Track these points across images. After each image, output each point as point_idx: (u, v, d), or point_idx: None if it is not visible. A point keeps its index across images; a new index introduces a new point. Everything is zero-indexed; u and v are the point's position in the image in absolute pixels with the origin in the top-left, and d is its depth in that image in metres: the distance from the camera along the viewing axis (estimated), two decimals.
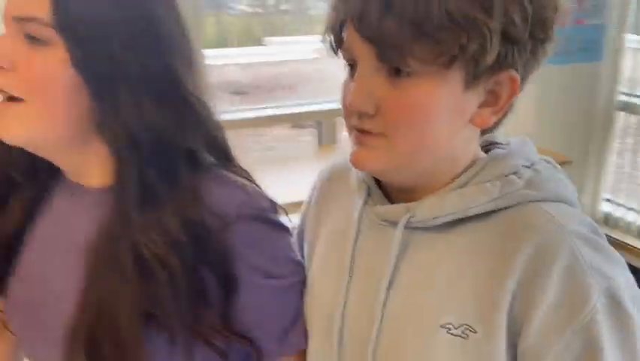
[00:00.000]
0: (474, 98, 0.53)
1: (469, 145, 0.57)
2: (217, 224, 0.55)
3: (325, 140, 2.23)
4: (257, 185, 0.63)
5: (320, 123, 2.24)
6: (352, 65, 0.54)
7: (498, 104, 0.54)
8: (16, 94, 0.53)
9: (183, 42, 0.57)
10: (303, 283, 0.64)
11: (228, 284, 0.57)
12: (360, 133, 0.54)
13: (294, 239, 0.69)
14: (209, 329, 0.56)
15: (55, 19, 0.50)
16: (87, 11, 0.50)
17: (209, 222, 0.55)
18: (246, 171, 0.63)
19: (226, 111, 1.41)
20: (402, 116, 0.51)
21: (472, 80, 0.51)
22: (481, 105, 0.54)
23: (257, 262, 0.59)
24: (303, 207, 0.73)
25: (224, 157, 0.62)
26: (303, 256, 0.69)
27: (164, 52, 0.55)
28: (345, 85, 0.55)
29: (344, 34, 0.53)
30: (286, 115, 2.10)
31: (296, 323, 0.63)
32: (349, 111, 0.54)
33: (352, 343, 0.58)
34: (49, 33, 0.51)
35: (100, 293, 0.54)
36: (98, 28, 0.51)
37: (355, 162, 0.55)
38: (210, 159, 0.61)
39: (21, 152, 0.57)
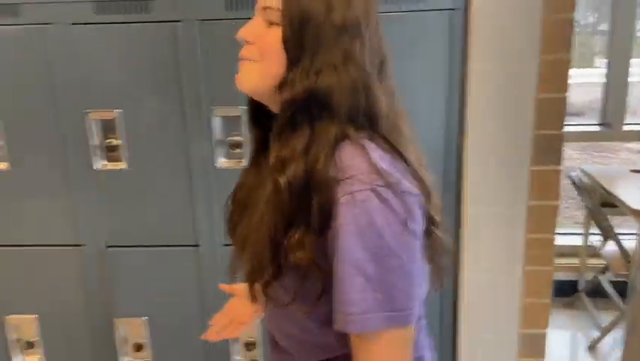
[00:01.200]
0: None
1: None
2: (335, 175, 0.71)
3: None
4: (401, 158, 0.76)
5: None
6: None
7: None
8: (252, 58, 0.79)
9: (369, 45, 0.77)
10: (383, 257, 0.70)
11: (324, 221, 0.71)
12: None
13: (401, 216, 0.71)
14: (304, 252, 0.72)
15: (282, 10, 0.75)
16: (300, 6, 0.75)
17: (331, 173, 0.72)
18: (395, 145, 0.77)
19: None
20: None
21: None
22: None
23: (348, 221, 0.70)
24: None
25: (374, 130, 0.77)
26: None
27: (346, 40, 0.75)
28: None
29: None
30: None
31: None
32: None
33: None
34: (278, 17, 0.76)
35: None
36: (303, 19, 0.75)
37: None
38: (363, 131, 0.76)
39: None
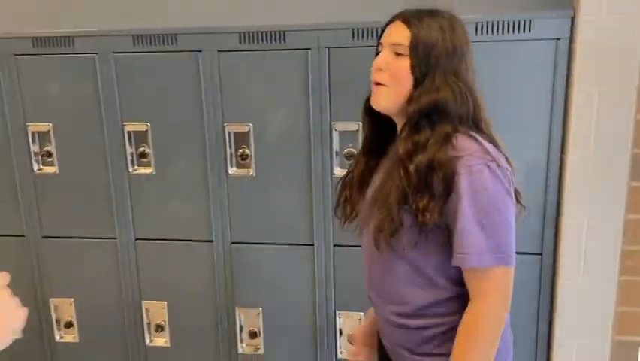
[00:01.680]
0: None
1: None
2: (454, 155, 0.99)
3: None
4: (496, 147, 1.04)
5: None
6: None
7: None
8: (384, 83, 1.07)
9: (469, 63, 1.07)
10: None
11: (447, 187, 0.99)
12: None
13: (505, 184, 1.00)
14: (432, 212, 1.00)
15: (410, 44, 1.04)
16: (423, 41, 1.03)
17: (450, 153, 1.00)
18: (492, 138, 1.06)
19: None
20: None
21: None
22: None
23: (467, 187, 0.98)
24: None
25: (477, 128, 1.06)
26: None
27: (455, 61, 1.04)
28: None
29: None
30: None
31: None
32: None
33: None
34: (406, 51, 1.04)
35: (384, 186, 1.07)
36: (426, 50, 1.03)
37: None
38: (470, 127, 1.05)
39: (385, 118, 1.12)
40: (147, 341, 1.97)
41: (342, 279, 1.81)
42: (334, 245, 1.79)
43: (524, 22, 1.51)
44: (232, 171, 1.78)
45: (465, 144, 1.01)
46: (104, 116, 1.79)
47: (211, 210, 1.82)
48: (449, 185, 0.99)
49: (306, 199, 1.76)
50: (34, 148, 1.86)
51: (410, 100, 1.04)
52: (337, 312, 1.83)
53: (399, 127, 1.10)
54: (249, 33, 1.66)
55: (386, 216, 1.03)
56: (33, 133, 1.85)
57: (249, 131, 1.74)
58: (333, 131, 1.70)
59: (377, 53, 1.11)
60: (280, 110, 1.72)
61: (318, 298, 1.82)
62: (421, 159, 1.01)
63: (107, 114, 1.79)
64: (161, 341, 1.98)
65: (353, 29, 1.61)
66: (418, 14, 1.06)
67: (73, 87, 1.78)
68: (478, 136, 1.03)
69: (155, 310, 1.95)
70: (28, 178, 1.89)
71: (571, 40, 1.50)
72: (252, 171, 1.77)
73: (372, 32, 1.59)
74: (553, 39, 1.51)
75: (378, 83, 1.08)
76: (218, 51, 1.69)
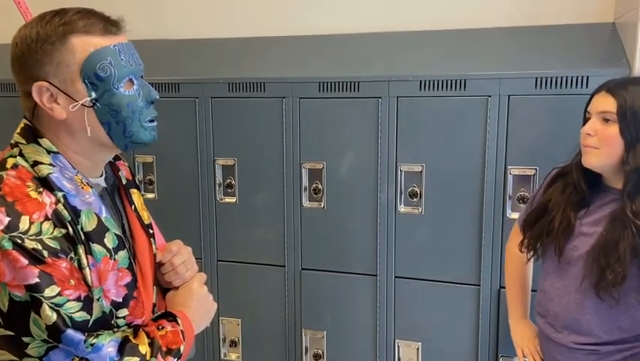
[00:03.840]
0: None
1: None
2: None
3: None
4: None
5: None
6: None
7: None
8: (594, 146, 1.25)
9: None
10: None
11: None
12: None
13: None
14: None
15: (618, 112, 1.21)
16: (630, 108, 1.20)
17: None
18: None
19: None
20: None
21: None
22: None
23: None
24: None
25: None
26: None
27: None
28: None
29: None
30: None
31: None
32: None
33: None
34: (614, 117, 1.22)
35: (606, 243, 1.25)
36: (633, 116, 1.20)
37: None
38: None
39: (591, 173, 1.31)
40: (222, 355, 2.18)
41: (402, 309, 1.93)
42: (396, 277, 1.92)
43: (582, 79, 1.63)
44: (306, 203, 1.99)
45: None
46: (199, 151, 2.07)
47: (285, 238, 2.02)
48: None
49: (372, 233, 1.92)
50: (139, 177, 2.17)
51: (625, 162, 1.22)
52: (397, 341, 1.95)
53: (609, 184, 1.30)
54: (326, 83, 1.89)
55: (610, 272, 1.22)
56: (139, 163, 2.16)
57: (322, 168, 1.95)
58: (399, 171, 1.86)
59: (584, 121, 1.30)
60: (351, 151, 1.91)
61: (378, 326, 1.95)
62: None
63: (200, 149, 2.07)
64: (234, 355, 2.18)
65: (421, 81, 1.79)
66: (623, 83, 1.25)
67: (176, 126, 2.08)
68: None
69: (231, 326, 2.16)
70: None
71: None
72: (323, 204, 1.97)
73: (436, 84, 1.76)
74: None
75: (589, 146, 1.26)
76: (300, 98, 1.93)
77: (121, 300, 0.95)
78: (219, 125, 2.04)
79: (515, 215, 1.71)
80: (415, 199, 1.87)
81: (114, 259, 0.94)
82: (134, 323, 0.98)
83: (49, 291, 0.84)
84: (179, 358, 0.97)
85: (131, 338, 0.93)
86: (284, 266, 2.05)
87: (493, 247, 1.78)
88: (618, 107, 1.20)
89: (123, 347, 0.90)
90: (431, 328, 1.90)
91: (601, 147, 1.23)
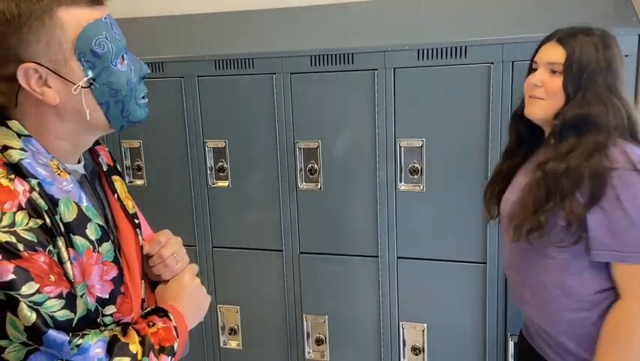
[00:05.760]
0: None
1: None
2: (605, 165, 1.09)
3: None
4: None
5: None
6: None
7: None
8: (541, 97, 1.19)
9: (620, 74, 1.16)
10: None
11: (593, 197, 1.10)
12: None
13: None
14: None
15: (565, 64, 1.15)
16: (578, 59, 1.14)
17: (602, 163, 1.09)
18: None
19: None
20: None
21: None
22: None
23: (621, 191, 1.08)
24: None
25: (631, 136, 1.15)
26: None
27: (609, 77, 1.13)
28: None
29: None
30: None
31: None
32: None
33: None
34: (561, 69, 1.16)
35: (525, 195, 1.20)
36: (580, 68, 1.14)
37: None
38: (626, 138, 1.14)
39: (531, 125, 1.25)
40: (221, 343, 2.11)
41: (405, 291, 1.87)
42: (398, 257, 1.85)
43: None
44: (302, 185, 1.90)
45: (617, 156, 1.09)
46: (187, 134, 1.97)
47: (281, 222, 1.94)
48: (596, 193, 1.09)
49: (372, 213, 1.84)
50: (126, 163, 2.07)
51: (557, 115, 1.16)
52: (401, 323, 1.89)
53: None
54: (318, 56, 1.79)
55: (525, 217, 1.18)
56: (125, 149, 2.06)
57: (317, 148, 1.86)
58: (398, 147, 1.78)
59: (530, 70, 1.23)
60: (347, 128, 1.82)
61: (382, 308, 1.89)
62: (557, 166, 1.13)
63: (189, 132, 1.97)
64: (234, 343, 2.11)
65: (419, 50, 1.69)
66: (573, 33, 1.16)
67: (162, 108, 1.98)
68: (630, 147, 1.11)
69: (229, 314, 2.09)
70: None
71: (639, 56, 1.51)
72: (319, 185, 1.88)
73: (435, 52, 1.67)
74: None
75: (535, 97, 1.20)
76: (291, 73, 1.83)
77: (107, 296, 0.87)
78: (207, 106, 1.94)
79: None
80: (415, 176, 1.78)
81: (98, 252, 0.86)
82: (122, 321, 0.90)
83: (27, 288, 0.75)
84: (172, 356, 0.89)
85: (120, 336, 0.85)
86: (281, 251, 1.97)
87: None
88: (566, 59, 1.14)
89: (112, 347, 0.82)
90: (436, 309, 1.84)
91: (548, 99, 1.18)
